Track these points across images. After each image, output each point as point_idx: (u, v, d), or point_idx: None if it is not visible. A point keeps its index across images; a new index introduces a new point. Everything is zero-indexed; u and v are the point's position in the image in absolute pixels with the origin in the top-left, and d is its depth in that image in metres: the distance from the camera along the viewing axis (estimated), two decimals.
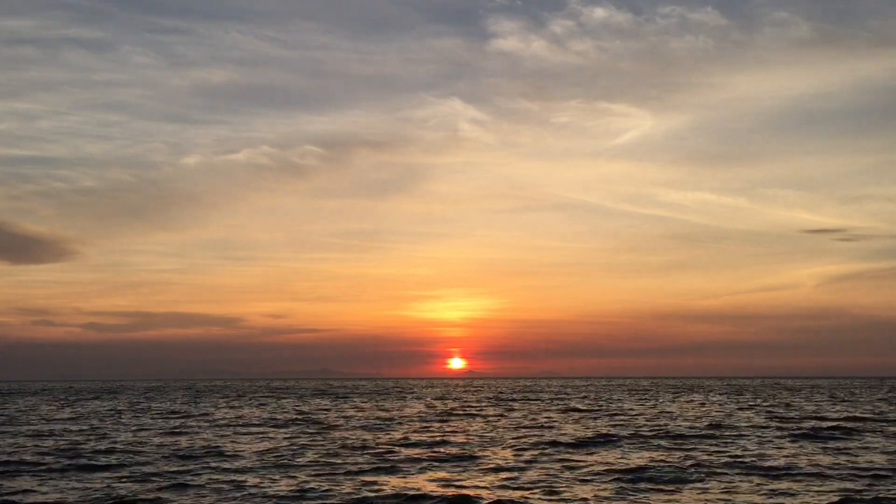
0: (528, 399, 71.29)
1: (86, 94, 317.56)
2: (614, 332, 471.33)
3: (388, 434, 32.01)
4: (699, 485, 18.67)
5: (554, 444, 27.66)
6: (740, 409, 50.74)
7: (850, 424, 35.53)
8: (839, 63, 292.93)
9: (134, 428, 36.07)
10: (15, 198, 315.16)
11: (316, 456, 24.42)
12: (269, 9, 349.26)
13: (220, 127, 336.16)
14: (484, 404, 59.61)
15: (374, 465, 22.12)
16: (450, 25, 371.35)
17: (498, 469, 21.39)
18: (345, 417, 43.21)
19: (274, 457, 24.14)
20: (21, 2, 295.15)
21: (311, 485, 18.78)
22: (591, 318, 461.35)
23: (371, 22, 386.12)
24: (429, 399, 72.80)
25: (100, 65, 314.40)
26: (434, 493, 17.49)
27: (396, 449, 26.37)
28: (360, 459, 23.44)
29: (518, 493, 17.50)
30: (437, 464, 22.69)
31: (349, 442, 28.66)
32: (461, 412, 48.04)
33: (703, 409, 50.90)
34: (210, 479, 19.70)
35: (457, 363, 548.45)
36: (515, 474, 20.32)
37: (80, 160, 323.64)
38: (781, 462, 22.46)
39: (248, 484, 18.91)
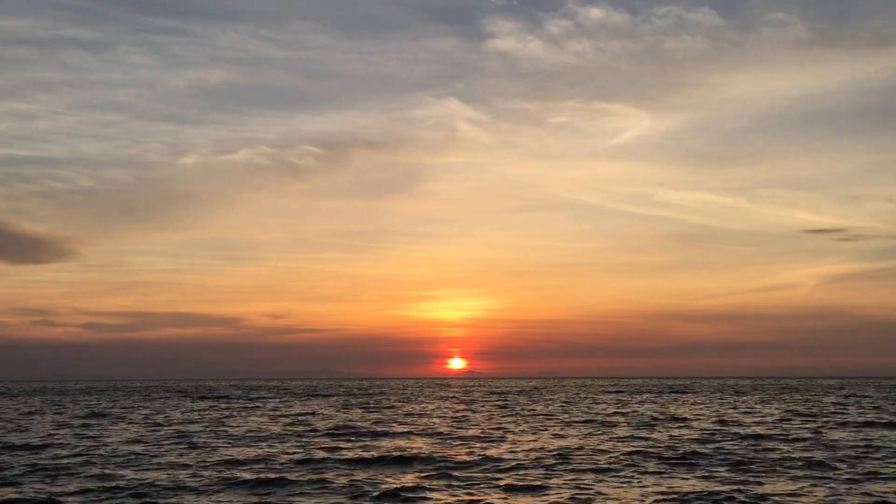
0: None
1: (83, 94, 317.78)
2: (614, 332, 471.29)
3: None
4: None
5: None
6: None
7: None
8: (837, 63, 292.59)
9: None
10: (13, 198, 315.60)
11: None
12: (267, 9, 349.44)
13: (218, 127, 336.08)
14: None
15: None
16: (447, 25, 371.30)
17: None
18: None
19: None
20: (18, 2, 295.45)
21: None
22: (591, 318, 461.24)
23: (368, 22, 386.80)
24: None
25: (97, 65, 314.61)
26: None
27: None
28: None
29: None
30: None
31: None
32: None
33: None
34: None
35: (457, 363, 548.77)
36: None
37: (78, 160, 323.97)
38: None
39: None
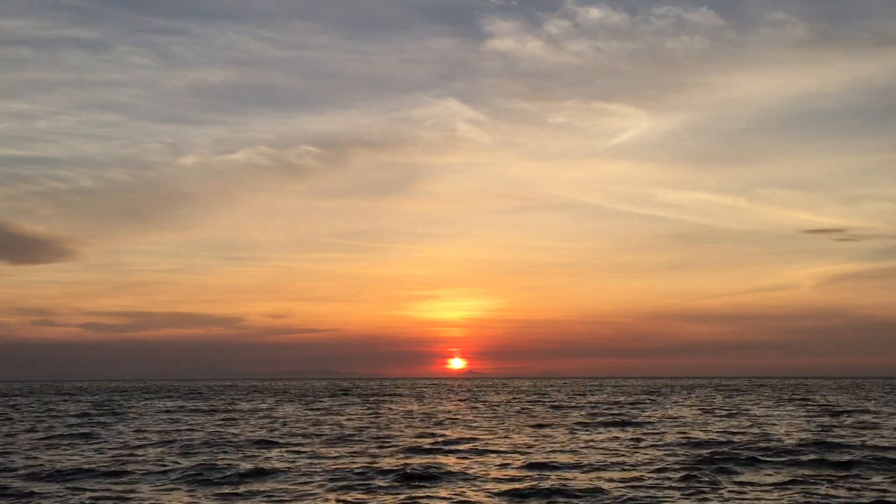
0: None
1: (83, 94, 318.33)
2: (614, 332, 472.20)
3: None
4: None
5: None
6: None
7: None
8: (837, 63, 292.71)
9: None
10: (14, 198, 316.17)
11: None
12: (266, 9, 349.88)
13: (218, 127, 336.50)
14: None
15: None
16: (446, 25, 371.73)
17: None
18: None
19: None
20: (18, 2, 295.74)
21: None
22: (591, 318, 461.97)
23: (367, 22, 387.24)
24: None
25: (97, 65, 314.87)
26: None
27: None
28: None
29: None
30: None
31: None
32: None
33: None
34: None
35: (457, 363, 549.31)
36: None
37: (77, 160, 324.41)
38: None
39: None
